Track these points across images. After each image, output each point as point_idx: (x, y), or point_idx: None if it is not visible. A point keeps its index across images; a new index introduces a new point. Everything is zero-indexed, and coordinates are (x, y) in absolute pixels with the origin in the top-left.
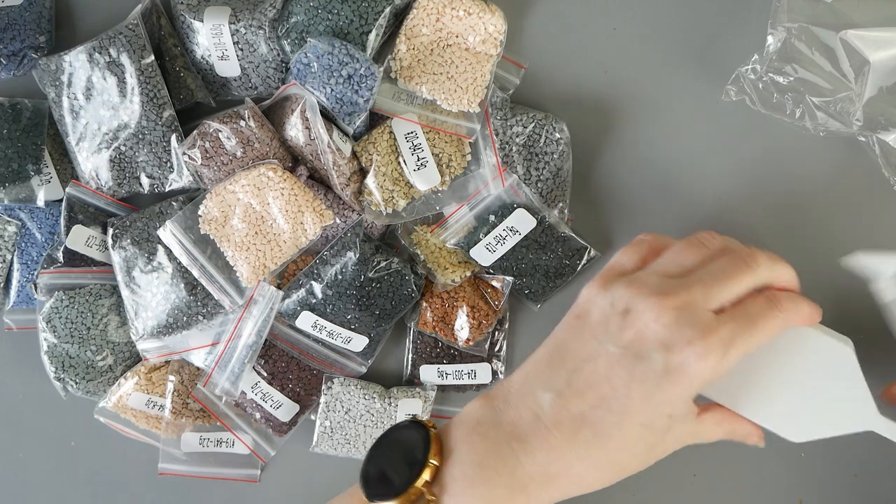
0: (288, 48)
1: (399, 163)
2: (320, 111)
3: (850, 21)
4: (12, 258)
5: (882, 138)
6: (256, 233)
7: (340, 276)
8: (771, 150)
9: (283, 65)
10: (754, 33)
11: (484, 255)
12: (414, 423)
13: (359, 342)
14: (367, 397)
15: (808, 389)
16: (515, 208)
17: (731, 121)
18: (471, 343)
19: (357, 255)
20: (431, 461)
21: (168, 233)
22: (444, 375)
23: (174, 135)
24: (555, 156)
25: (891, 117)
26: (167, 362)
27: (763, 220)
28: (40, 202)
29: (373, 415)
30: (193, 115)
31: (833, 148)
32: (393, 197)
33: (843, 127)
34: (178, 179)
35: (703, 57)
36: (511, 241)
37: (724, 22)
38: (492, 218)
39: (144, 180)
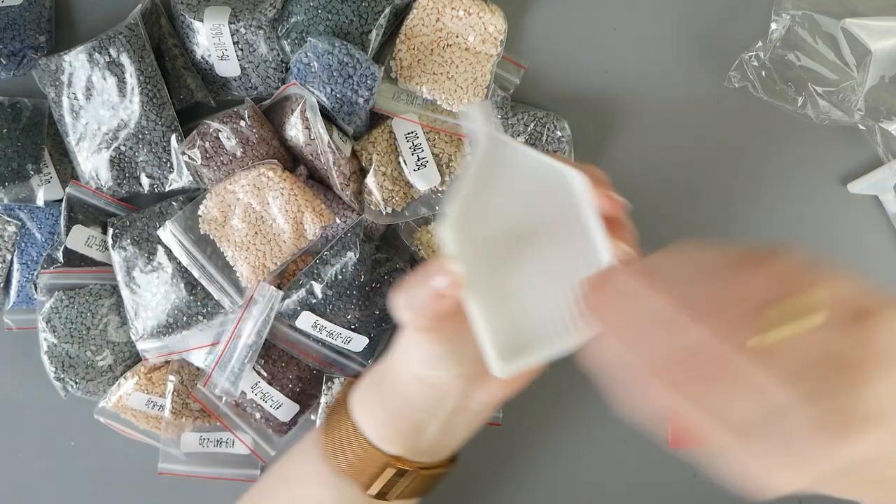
0: (288, 48)
1: (399, 163)
2: (320, 111)
3: (852, 9)
4: (12, 258)
5: (884, 127)
6: (256, 233)
7: (340, 276)
8: (772, 142)
9: (283, 65)
10: (756, 22)
11: None
12: None
13: (359, 342)
14: None
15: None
16: None
17: (733, 115)
18: None
19: (357, 255)
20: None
21: (168, 233)
22: None
23: (174, 135)
24: (557, 153)
25: (892, 107)
26: (167, 362)
27: (764, 215)
28: (40, 202)
29: None
30: (193, 115)
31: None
32: (393, 197)
33: (845, 116)
34: (178, 179)
35: (704, 48)
36: None
37: (726, 12)
38: None
39: (144, 180)
